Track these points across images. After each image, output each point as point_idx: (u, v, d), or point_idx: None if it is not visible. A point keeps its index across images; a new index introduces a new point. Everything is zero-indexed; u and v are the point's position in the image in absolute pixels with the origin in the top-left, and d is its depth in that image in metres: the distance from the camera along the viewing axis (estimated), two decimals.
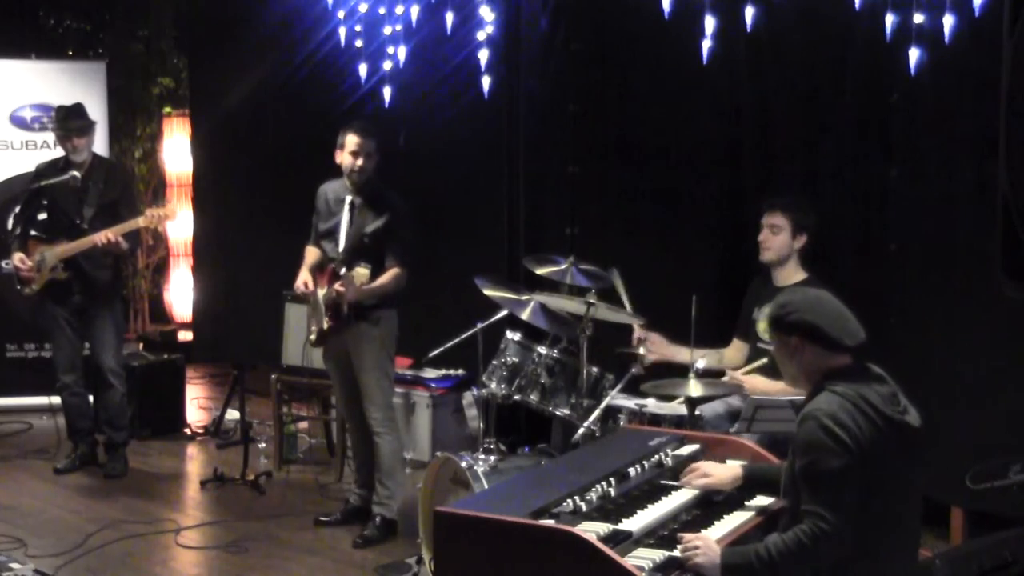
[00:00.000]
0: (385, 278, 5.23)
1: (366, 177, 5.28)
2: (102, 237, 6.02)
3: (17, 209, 6.32)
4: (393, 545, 5.26)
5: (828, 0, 5.28)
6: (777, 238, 4.98)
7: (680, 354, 4.99)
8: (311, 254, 5.48)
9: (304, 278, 5.36)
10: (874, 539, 3.13)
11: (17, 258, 6.20)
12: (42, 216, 6.27)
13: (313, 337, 5.43)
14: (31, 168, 6.56)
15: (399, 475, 5.40)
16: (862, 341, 3.22)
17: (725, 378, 4.88)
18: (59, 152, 6.45)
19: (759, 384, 4.80)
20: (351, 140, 5.26)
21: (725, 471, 3.64)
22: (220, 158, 8.69)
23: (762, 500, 3.60)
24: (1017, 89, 3.67)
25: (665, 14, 5.71)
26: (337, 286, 5.17)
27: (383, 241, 5.25)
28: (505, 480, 4.23)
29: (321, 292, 5.32)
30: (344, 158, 5.28)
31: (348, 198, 5.32)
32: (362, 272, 5.03)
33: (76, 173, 6.20)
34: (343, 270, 5.16)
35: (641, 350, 4.93)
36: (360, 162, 5.24)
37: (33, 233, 6.27)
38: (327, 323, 5.30)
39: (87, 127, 6.30)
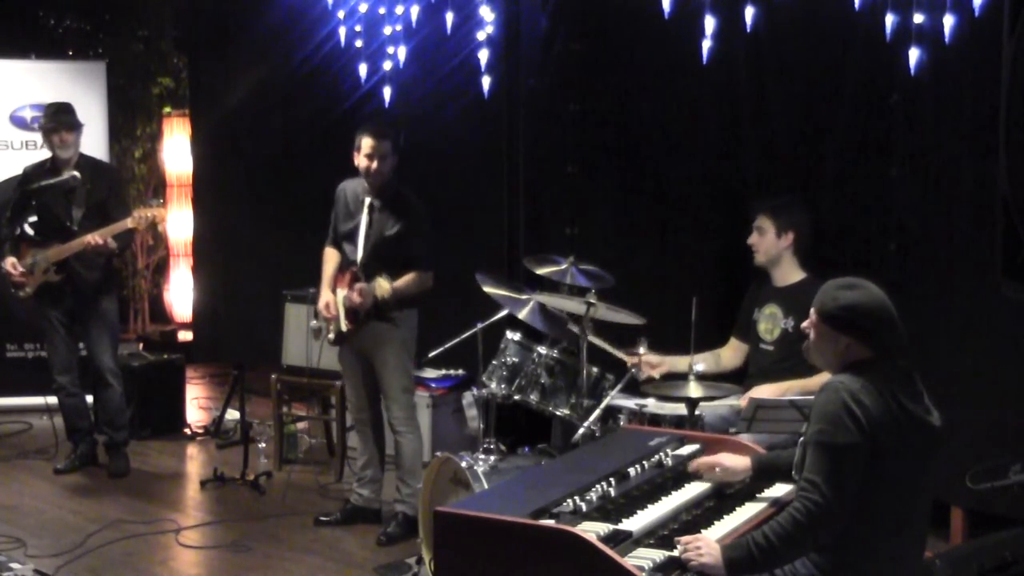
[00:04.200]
0: (406, 281, 5.22)
1: (383, 179, 5.25)
2: (91, 240, 6.02)
3: (8, 213, 6.30)
4: (394, 544, 5.27)
5: (828, 0, 5.28)
6: (763, 239, 5.00)
7: (677, 364, 4.98)
8: (330, 261, 5.44)
9: (327, 299, 5.35)
10: (880, 539, 3.13)
11: (9, 263, 6.17)
12: (32, 219, 6.25)
13: (332, 336, 5.41)
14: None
15: (420, 473, 5.39)
16: (904, 348, 3.24)
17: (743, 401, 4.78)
18: None
19: (764, 393, 4.77)
20: (365, 143, 5.20)
21: (736, 461, 3.68)
22: (220, 158, 8.70)
23: (776, 491, 3.62)
24: (1017, 89, 3.67)
25: (665, 14, 5.71)
26: (354, 296, 5.17)
27: (403, 244, 5.24)
28: (505, 480, 4.23)
29: (341, 293, 5.31)
30: (360, 161, 5.23)
31: (367, 200, 5.29)
32: (383, 285, 5.04)
33: (76, 173, 6.20)
34: (361, 282, 5.15)
35: (639, 375, 4.91)
36: (375, 165, 5.20)
37: (27, 235, 6.26)
38: (346, 326, 5.29)
39: (76, 124, 6.28)
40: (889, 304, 3.26)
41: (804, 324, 3.40)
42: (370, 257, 5.23)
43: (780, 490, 3.66)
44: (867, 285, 3.28)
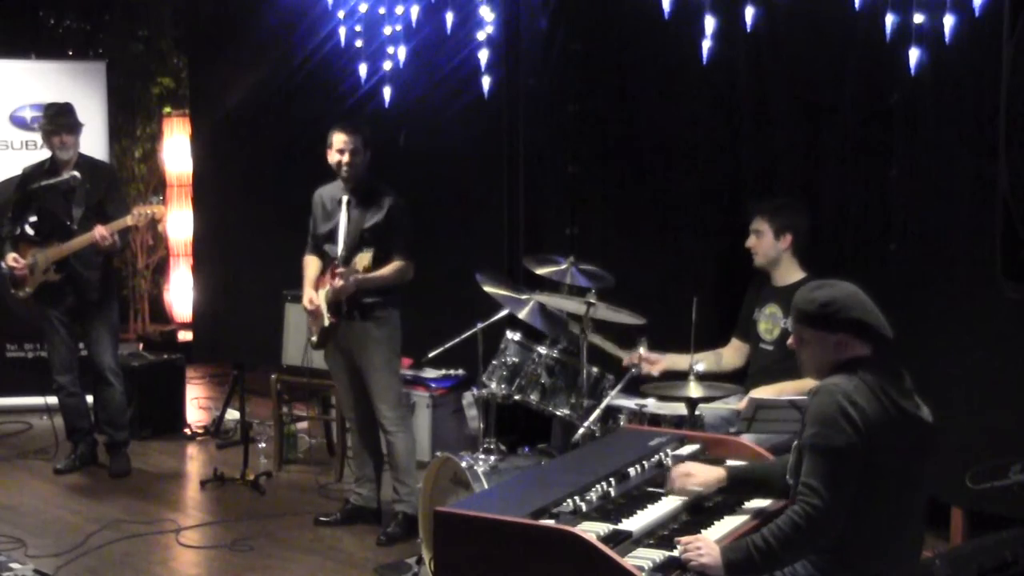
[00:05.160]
0: (387, 269, 5.24)
1: (356, 172, 5.28)
2: (99, 233, 6.01)
3: (9, 213, 6.30)
4: (394, 544, 5.27)
5: (828, 0, 5.28)
6: (762, 242, 5.00)
7: (677, 362, 4.98)
8: (311, 266, 5.46)
9: (309, 295, 5.37)
10: (880, 538, 3.13)
11: (11, 258, 6.18)
12: (32, 219, 6.25)
13: (315, 339, 5.43)
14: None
15: (416, 471, 5.40)
16: (891, 336, 3.24)
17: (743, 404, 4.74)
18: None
19: (764, 394, 4.76)
20: (337, 138, 5.27)
21: (708, 472, 3.56)
22: (220, 158, 8.70)
23: (758, 503, 3.60)
24: (1017, 89, 3.68)
25: (665, 14, 5.71)
26: (336, 280, 5.18)
27: (383, 235, 5.26)
28: (505, 480, 4.23)
29: (323, 292, 5.32)
30: (332, 157, 5.29)
31: (344, 197, 5.33)
32: (364, 255, 5.04)
33: (76, 173, 6.20)
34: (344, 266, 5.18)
35: (638, 372, 4.90)
36: (347, 159, 5.25)
37: (27, 235, 6.24)
38: (328, 319, 5.30)
39: (76, 125, 6.28)
40: (861, 291, 3.26)
41: (789, 342, 3.40)
42: (351, 251, 5.25)
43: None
44: (837, 282, 3.28)
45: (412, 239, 5.36)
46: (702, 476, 3.54)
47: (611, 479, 3.47)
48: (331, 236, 5.38)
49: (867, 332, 3.20)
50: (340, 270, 5.18)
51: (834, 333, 3.22)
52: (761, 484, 3.54)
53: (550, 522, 3.10)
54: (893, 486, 3.13)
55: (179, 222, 9.68)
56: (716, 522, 3.42)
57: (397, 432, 5.40)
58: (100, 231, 6.01)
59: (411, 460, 5.45)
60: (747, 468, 3.65)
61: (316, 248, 5.48)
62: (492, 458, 4.67)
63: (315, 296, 5.36)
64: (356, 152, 5.26)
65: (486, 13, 6.55)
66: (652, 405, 4.86)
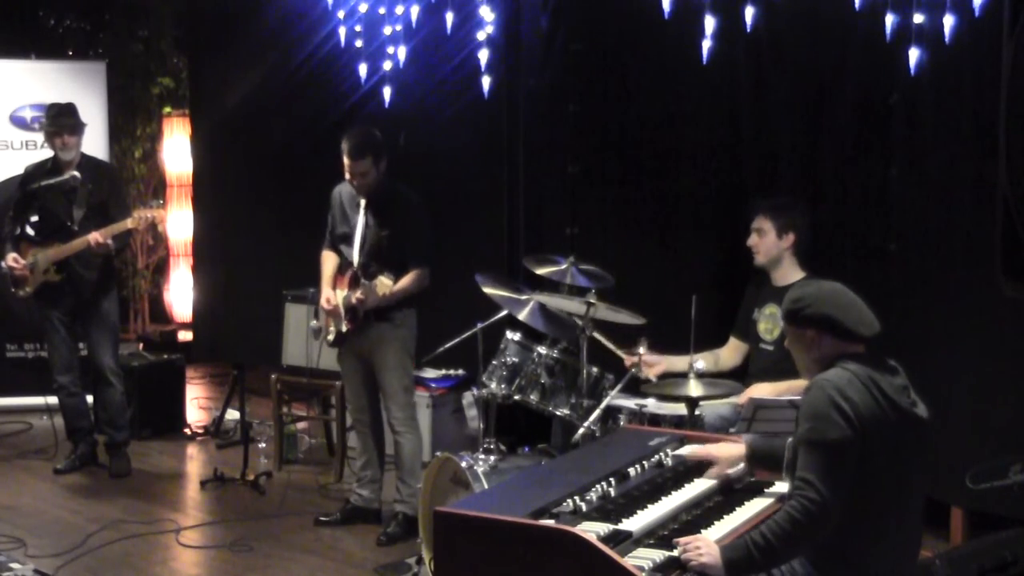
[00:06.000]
0: (407, 281, 5.22)
1: (369, 188, 5.25)
2: (92, 239, 6.02)
3: (11, 212, 6.31)
4: (394, 544, 5.27)
5: (828, 0, 5.28)
6: (764, 241, 5.00)
7: (676, 364, 4.99)
8: (328, 261, 5.45)
9: (327, 295, 5.36)
10: (877, 535, 3.14)
11: (11, 258, 6.19)
12: (33, 219, 6.25)
13: (331, 337, 5.42)
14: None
15: (420, 473, 5.39)
16: (877, 331, 3.25)
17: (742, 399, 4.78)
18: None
19: (764, 392, 4.77)
20: (345, 160, 5.22)
21: (728, 448, 3.71)
22: (220, 158, 8.70)
23: (757, 504, 3.60)
24: (1017, 89, 3.68)
25: (665, 14, 5.71)
26: (357, 295, 5.17)
27: (400, 243, 5.25)
28: (505, 480, 4.24)
29: (341, 294, 5.32)
30: (346, 171, 5.26)
31: (363, 201, 5.31)
32: (385, 283, 5.03)
33: (76, 173, 6.20)
34: (363, 280, 5.15)
35: (640, 374, 4.90)
36: (356, 182, 5.24)
37: (27, 235, 6.25)
38: (347, 326, 5.30)
39: (78, 126, 6.28)
40: (845, 290, 3.30)
41: (786, 342, 3.43)
42: (368, 257, 5.24)
43: (785, 486, 3.64)
44: (823, 281, 3.34)
45: (429, 246, 5.35)
46: (723, 453, 3.69)
47: (611, 479, 3.47)
48: (348, 239, 5.35)
49: (835, 329, 3.23)
50: (364, 283, 5.15)
51: (805, 329, 3.29)
52: (782, 459, 3.55)
53: (550, 522, 3.10)
54: (889, 483, 3.14)
55: (179, 222, 9.67)
56: (716, 522, 3.42)
57: (406, 432, 5.39)
58: (95, 237, 6.00)
59: (416, 461, 5.44)
60: (768, 443, 3.67)
61: (333, 245, 5.47)
62: (492, 458, 4.67)
63: (332, 296, 5.35)
64: (365, 174, 5.21)
65: (486, 13, 6.55)
66: (652, 405, 4.87)
